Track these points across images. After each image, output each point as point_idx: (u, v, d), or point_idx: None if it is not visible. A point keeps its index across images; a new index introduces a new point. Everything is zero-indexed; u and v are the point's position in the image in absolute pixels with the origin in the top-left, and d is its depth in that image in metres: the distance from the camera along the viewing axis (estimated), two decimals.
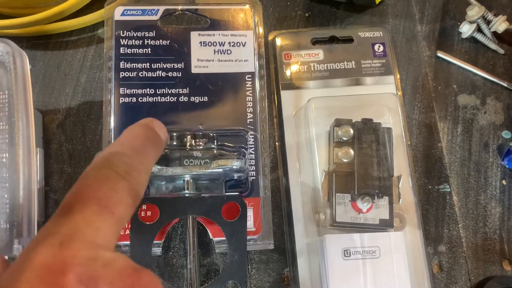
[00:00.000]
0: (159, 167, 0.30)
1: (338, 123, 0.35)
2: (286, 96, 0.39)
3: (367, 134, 0.35)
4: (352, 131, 0.35)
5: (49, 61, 0.40)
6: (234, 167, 0.30)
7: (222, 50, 0.36)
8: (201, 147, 0.32)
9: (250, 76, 0.35)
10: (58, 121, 0.38)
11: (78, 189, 0.19)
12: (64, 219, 0.17)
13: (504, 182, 0.38)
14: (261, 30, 0.37)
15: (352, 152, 0.34)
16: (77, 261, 0.16)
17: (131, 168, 0.20)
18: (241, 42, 0.36)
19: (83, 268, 0.15)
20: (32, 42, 0.40)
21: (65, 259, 0.15)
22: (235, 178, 0.33)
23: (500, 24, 0.40)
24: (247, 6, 0.37)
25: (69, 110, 0.38)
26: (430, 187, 0.38)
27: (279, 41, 0.41)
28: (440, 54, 0.42)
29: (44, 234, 0.17)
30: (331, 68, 0.40)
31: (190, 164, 0.30)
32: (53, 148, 0.37)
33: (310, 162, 0.37)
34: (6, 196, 0.27)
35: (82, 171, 0.36)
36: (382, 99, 0.38)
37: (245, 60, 0.35)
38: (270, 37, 0.41)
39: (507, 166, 0.38)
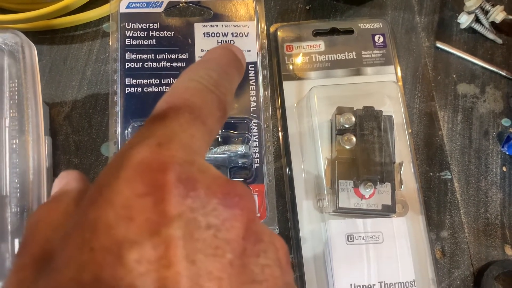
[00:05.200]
0: None
1: (340, 111, 0.36)
2: (289, 87, 0.40)
3: (369, 121, 0.35)
4: (353, 118, 0.35)
5: (55, 55, 0.40)
6: (239, 152, 0.31)
7: (225, 40, 0.36)
8: None
9: (253, 65, 0.36)
10: (65, 113, 0.39)
11: (169, 98, 0.18)
12: (158, 124, 0.17)
13: (504, 168, 0.39)
14: (263, 21, 0.38)
15: (354, 139, 0.35)
16: (176, 160, 0.15)
17: (218, 83, 0.19)
18: (244, 33, 0.37)
19: (182, 168, 0.15)
20: (38, 36, 0.41)
21: (164, 158, 0.15)
22: (239, 164, 0.33)
23: (497, 14, 0.41)
24: None
25: (75, 103, 0.39)
26: (431, 174, 0.38)
27: (281, 34, 0.41)
28: (439, 44, 0.42)
29: (139, 137, 0.16)
30: (332, 59, 0.41)
31: None
32: (60, 140, 0.38)
33: (313, 151, 0.37)
34: (16, 181, 0.28)
35: (88, 162, 0.37)
36: (383, 87, 0.39)
37: (248, 50, 0.36)
38: (272, 30, 0.42)
39: (507, 153, 0.39)
